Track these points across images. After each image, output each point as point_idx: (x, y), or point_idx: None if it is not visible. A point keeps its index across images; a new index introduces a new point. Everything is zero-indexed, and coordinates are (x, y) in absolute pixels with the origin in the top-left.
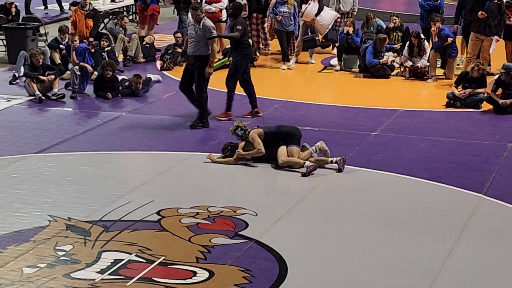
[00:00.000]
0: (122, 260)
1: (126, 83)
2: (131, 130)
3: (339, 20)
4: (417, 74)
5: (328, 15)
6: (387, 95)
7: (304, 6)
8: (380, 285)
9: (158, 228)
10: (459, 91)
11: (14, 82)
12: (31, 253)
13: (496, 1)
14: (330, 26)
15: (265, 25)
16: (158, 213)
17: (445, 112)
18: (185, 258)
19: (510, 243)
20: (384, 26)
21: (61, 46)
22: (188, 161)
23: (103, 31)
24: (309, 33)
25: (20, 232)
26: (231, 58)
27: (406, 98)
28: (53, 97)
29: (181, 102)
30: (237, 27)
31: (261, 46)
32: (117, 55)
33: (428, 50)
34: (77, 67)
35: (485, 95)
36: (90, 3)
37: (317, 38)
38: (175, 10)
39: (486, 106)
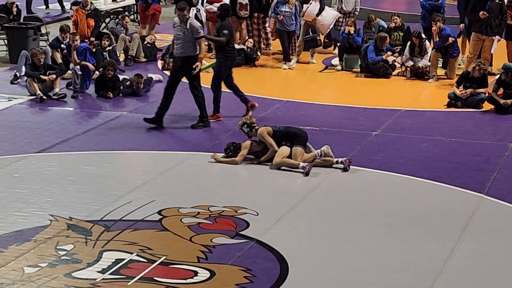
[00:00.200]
0: (123, 259)
1: (127, 83)
2: (132, 129)
3: (341, 20)
4: (418, 74)
5: (329, 15)
6: (388, 95)
7: (305, 5)
8: (381, 285)
9: (159, 228)
10: (460, 91)
11: (15, 82)
12: (32, 253)
13: (497, 1)
14: (331, 26)
15: (267, 24)
16: (159, 212)
17: (446, 112)
18: (186, 257)
19: (511, 243)
20: (386, 26)
21: (62, 45)
22: (189, 160)
23: (105, 30)
24: (310, 33)
25: (21, 231)
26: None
27: (407, 98)
28: (54, 97)
29: (182, 102)
30: (224, 31)
31: (262, 46)
32: (118, 55)
33: (429, 50)
34: (78, 66)
35: (486, 95)
36: (91, 3)
37: (318, 38)
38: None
39: (487, 106)
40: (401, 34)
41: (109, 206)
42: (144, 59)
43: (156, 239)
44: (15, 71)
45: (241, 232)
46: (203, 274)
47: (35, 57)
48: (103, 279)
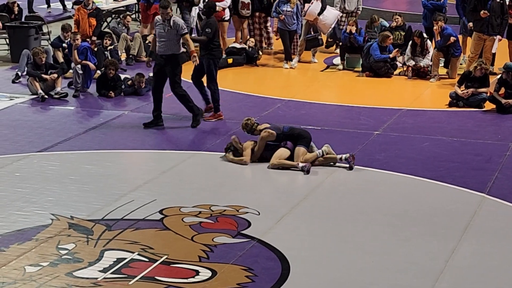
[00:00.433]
0: (125, 259)
1: (129, 82)
2: (133, 128)
3: (344, 19)
4: (420, 74)
5: (331, 14)
6: (389, 95)
7: (307, 5)
8: (383, 285)
9: (160, 227)
10: (462, 91)
11: (17, 81)
12: (33, 252)
13: (498, 0)
14: (332, 25)
15: (268, 24)
16: (160, 212)
17: (448, 111)
18: (188, 257)
19: None
20: (388, 26)
21: (64, 44)
22: (191, 160)
23: (106, 30)
24: (312, 32)
25: (23, 230)
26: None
27: (409, 97)
28: (56, 96)
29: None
30: (207, 30)
31: (264, 45)
32: (120, 54)
33: (431, 50)
34: (79, 66)
35: (488, 94)
36: (93, 2)
37: (319, 37)
38: (178, 9)
39: (489, 105)
40: (403, 33)
41: (110, 205)
42: (145, 59)
43: (157, 239)
44: (16, 70)
45: (242, 232)
46: (205, 274)
47: (36, 56)
48: (104, 278)
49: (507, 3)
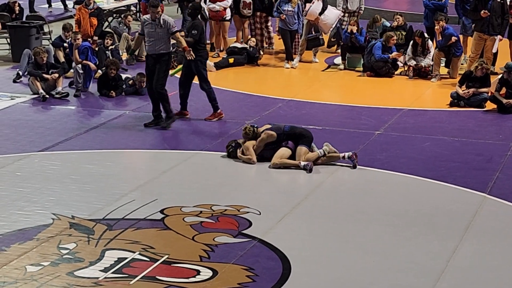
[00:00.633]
0: (126, 258)
1: (130, 82)
2: (134, 128)
3: (346, 18)
4: (421, 73)
5: (332, 14)
6: (390, 94)
7: (308, 5)
8: (383, 285)
9: (161, 227)
10: (463, 91)
11: (18, 81)
12: (34, 251)
13: (499, 0)
14: (334, 25)
15: (269, 24)
16: (161, 211)
17: (449, 111)
18: (189, 256)
19: None
20: (389, 25)
21: (65, 44)
22: (192, 159)
23: (107, 29)
24: (313, 32)
25: (24, 230)
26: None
27: (410, 97)
28: (57, 96)
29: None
30: (193, 31)
31: (265, 45)
32: (121, 54)
33: (432, 49)
34: (79, 65)
35: (489, 94)
36: (94, 2)
37: (321, 37)
38: (179, 8)
39: (490, 105)
40: (404, 33)
41: (111, 205)
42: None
43: (158, 238)
44: (17, 69)
45: (243, 231)
46: (206, 273)
47: (37, 56)
48: (105, 278)
49: (508, 3)
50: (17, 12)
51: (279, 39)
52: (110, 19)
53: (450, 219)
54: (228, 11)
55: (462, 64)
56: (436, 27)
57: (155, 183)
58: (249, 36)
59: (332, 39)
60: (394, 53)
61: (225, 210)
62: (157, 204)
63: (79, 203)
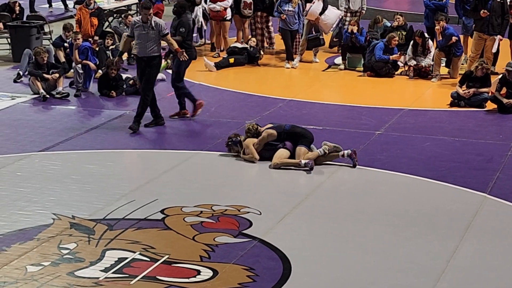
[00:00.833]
0: (126, 258)
1: (130, 82)
2: None
3: (348, 18)
4: (421, 73)
5: (333, 14)
6: (391, 94)
7: (308, 4)
8: (384, 285)
9: (162, 227)
10: (463, 91)
11: (18, 80)
12: (35, 251)
13: (499, 0)
14: (334, 25)
15: (270, 23)
16: (162, 211)
17: (449, 111)
18: (189, 256)
19: None
20: (389, 25)
21: (65, 44)
22: (192, 159)
23: (108, 29)
24: (313, 32)
25: (24, 230)
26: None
27: (410, 97)
28: (57, 96)
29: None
30: (180, 29)
31: (265, 45)
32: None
33: (432, 49)
34: (79, 65)
35: (489, 94)
36: (94, 2)
37: (321, 37)
38: None
39: (490, 105)
40: (404, 33)
41: (112, 205)
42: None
43: (159, 238)
44: (18, 69)
45: (244, 231)
46: (206, 273)
47: (38, 56)
48: (105, 278)
49: (508, 3)
50: (17, 12)
51: (281, 39)
52: (110, 19)
53: (450, 219)
54: (229, 11)
55: (462, 64)
56: (436, 27)
57: (156, 183)
58: (250, 36)
59: (335, 39)
60: (395, 55)
61: (226, 210)
62: (158, 204)
63: (79, 203)
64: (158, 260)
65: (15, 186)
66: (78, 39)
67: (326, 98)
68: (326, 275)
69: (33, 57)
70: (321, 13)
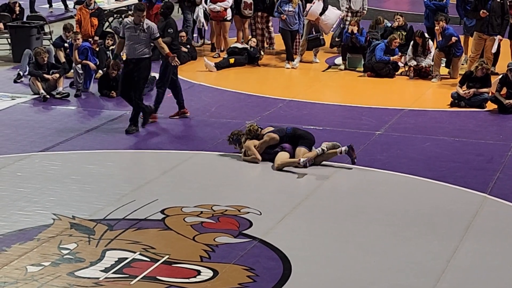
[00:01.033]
0: (126, 258)
1: None
2: None
3: (349, 18)
4: (422, 74)
5: (333, 14)
6: (391, 95)
7: (308, 5)
8: (384, 285)
9: (162, 227)
10: (463, 91)
11: (18, 81)
12: (35, 252)
13: (499, 0)
14: (334, 25)
15: (270, 24)
16: (162, 211)
17: (450, 111)
18: (189, 257)
19: None
20: (390, 26)
21: (65, 44)
22: (192, 160)
23: (108, 29)
24: (314, 32)
25: (24, 230)
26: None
27: (411, 97)
28: (58, 96)
29: (185, 101)
30: (168, 30)
31: (265, 45)
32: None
33: (432, 50)
34: (79, 65)
35: (490, 94)
36: (94, 2)
37: (321, 37)
38: (179, 9)
39: (490, 105)
40: (404, 33)
41: (112, 205)
42: None
43: (159, 238)
44: (18, 70)
45: (244, 232)
46: (206, 273)
47: (38, 56)
48: (106, 278)
49: (508, 3)
50: (17, 12)
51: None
52: (110, 19)
53: (450, 219)
54: (229, 11)
55: (462, 64)
56: (436, 28)
57: (156, 183)
58: (250, 36)
59: (337, 39)
60: (395, 56)
61: (226, 210)
62: (158, 204)
63: (79, 203)
64: (158, 260)
65: (15, 186)
66: (78, 39)
67: (326, 99)
68: (326, 275)
69: (33, 57)
70: (321, 14)
